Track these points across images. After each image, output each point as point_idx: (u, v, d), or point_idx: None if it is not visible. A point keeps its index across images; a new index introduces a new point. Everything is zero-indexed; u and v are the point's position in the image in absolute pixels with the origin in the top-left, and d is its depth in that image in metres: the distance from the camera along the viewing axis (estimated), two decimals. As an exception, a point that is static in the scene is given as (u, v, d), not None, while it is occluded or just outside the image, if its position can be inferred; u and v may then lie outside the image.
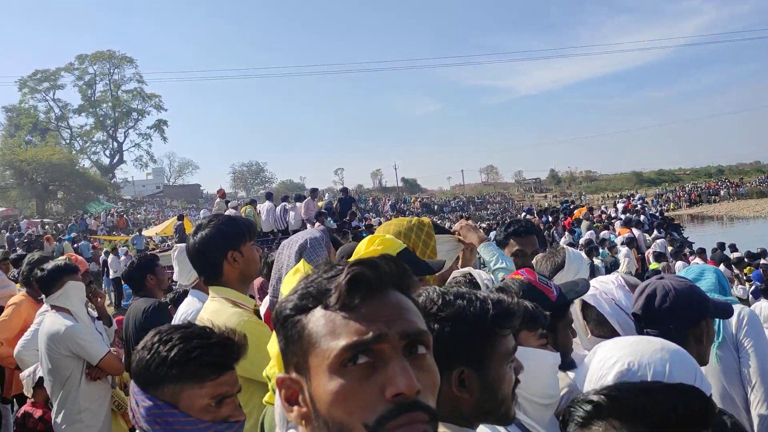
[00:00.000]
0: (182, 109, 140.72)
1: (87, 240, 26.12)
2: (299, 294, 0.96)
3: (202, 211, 29.85)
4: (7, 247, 25.27)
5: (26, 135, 59.72)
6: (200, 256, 2.52)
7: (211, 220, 2.58)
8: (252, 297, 2.86)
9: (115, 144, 67.64)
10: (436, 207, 53.55)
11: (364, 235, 16.97)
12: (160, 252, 20.15)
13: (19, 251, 17.37)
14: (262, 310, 3.09)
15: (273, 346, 1.54)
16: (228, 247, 2.49)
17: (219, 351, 1.57)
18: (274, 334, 1.54)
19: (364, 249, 2.14)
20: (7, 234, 29.69)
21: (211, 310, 2.46)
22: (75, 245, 23.05)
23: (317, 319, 0.92)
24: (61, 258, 4.46)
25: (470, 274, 2.54)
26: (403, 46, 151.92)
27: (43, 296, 4.04)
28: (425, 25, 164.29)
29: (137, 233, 28.13)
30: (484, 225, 32.38)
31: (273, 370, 1.47)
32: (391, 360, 0.89)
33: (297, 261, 2.44)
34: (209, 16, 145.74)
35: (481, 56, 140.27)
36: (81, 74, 64.55)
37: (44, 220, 38.34)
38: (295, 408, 0.95)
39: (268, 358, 1.43)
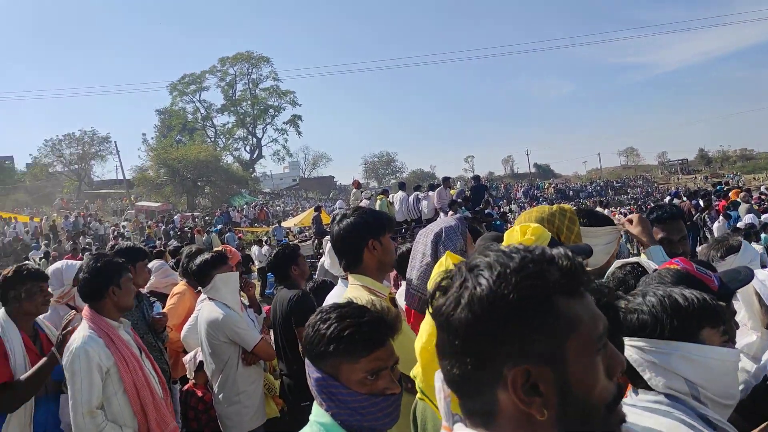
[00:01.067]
0: (315, 104, 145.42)
1: (232, 232, 27.81)
2: (536, 280, 0.90)
3: (337, 202, 30.77)
4: (163, 239, 27.58)
5: (176, 135, 64.71)
6: (344, 242, 2.67)
7: (356, 210, 2.75)
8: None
9: (255, 140, 71.46)
10: (571, 192, 51.67)
11: (497, 223, 16.66)
12: (299, 242, 21.00)
13: (174, 243, 18.82)
14: (400, 301, 3.06)
15: (419, 341, 1.48)
16: (370, 234, 2.62)
17: (370, 329, 1.66)
18: (429, 329, 1.48)
19: (518, 238, 2.09)
20: (163, 227, 32.36)
21: (348, 296, 2.54)
22: (222, 237, 24.63)
23: (571, 305, 0.91)
24: (217, 249, 4.68)
25: (639, 264, 2.34)
26: (535, 29, 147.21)
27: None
28: (557, 4, 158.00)
29: (277, 224, 29.57)
30: (624, 210, 30.78)
31: (419, 368, 1.50)
32: (607, 342, 0.95)
33: (433, 250, 2.53)
34: (338, 11, 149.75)
35: (620, 32, 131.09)
36: (223, 76, 68.81)
37: (194, 213, 41.29)
38: (537, 399, 0.90)
39: (408, 350, 1.42)
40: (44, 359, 3.35)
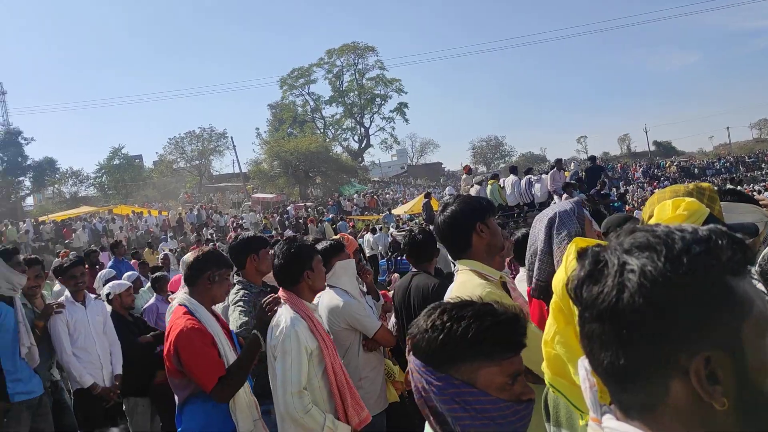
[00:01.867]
0: (421, 91, 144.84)
1: (344, 220, 28.45)
2: (709, 259, 0.84)
3: (447, 188, 30.68)
4: (279, 228, 28.70)
5: (288, 128, 67.03)
6: (450, 229, 2.67)
7: (457, 198, 2.77)
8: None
9: (362, 129, 72.59)
10: (696, 170, 48.38)
11: (615, 204, 15.94)
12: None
13: (290, 232, 19.53)
14: (521, 287, 2.95)
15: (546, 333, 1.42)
16: (476, 218, 2.63)
17: (511, 328, 1.50)
18: (551, 321, 1.39)
19: (669, 214, 1.98)
20: (278, 217, 33.66)
21: (458, 282, 2.59)
22: (334, 225, 25.26)
23: (742, 285, 0.85)
24: (334, 237, 4.76)
25: None
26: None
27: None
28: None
29: (387, 212, 29.93)
30: (758, 188, 28.52)
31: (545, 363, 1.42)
32: None
33: (546, 236, 2.45)
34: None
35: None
36: (330, 68, 70.43)
37: (306, 203, 42.62)
38: (718, 388, 0.84)
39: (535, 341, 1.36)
40: (251, 344, 3.35)
